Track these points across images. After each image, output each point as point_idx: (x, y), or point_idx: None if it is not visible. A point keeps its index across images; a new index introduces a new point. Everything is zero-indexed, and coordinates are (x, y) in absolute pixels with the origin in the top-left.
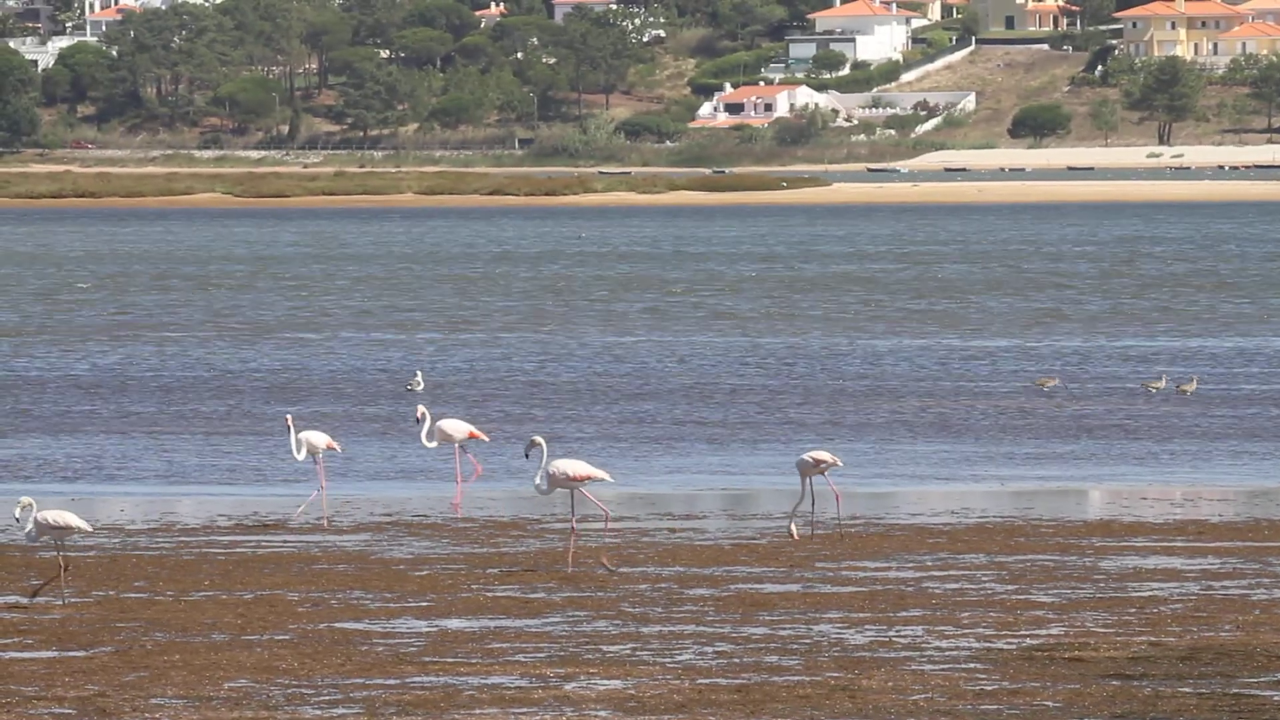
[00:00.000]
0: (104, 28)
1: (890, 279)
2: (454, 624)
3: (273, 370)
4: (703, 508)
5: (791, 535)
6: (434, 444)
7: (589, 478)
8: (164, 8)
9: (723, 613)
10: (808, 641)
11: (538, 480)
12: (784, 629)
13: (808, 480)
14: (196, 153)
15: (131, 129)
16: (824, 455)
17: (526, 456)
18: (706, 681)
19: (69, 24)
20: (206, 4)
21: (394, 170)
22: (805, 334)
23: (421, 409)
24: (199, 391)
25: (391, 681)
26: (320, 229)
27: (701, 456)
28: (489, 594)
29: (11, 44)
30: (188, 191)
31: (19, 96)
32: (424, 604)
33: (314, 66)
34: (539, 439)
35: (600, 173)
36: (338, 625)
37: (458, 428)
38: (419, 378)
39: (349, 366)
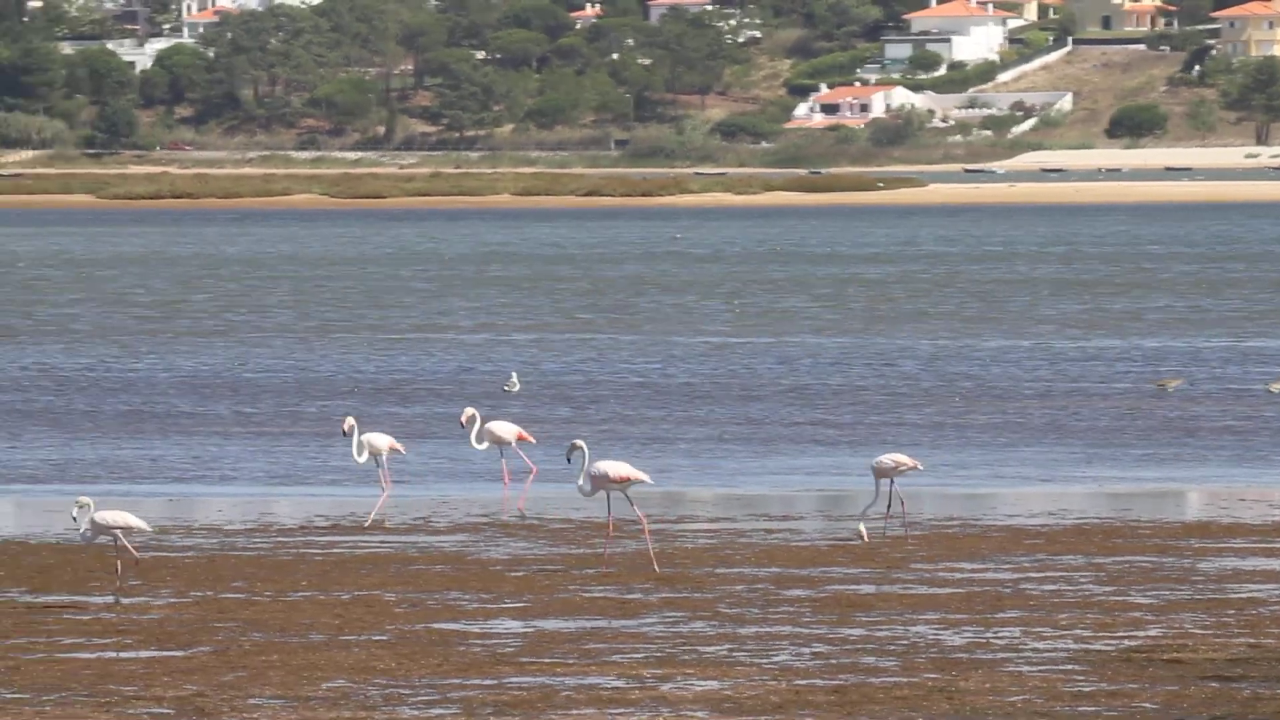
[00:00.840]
0: (201, 29)
1: (1045, 276)
2: (550, 624)
3: (383, 371)
4: (800, 509)
5: (861, 537)
6: (483, 446)
7: (629, 479)
8: (260, 10)
9: (819, 614)
10: (905, 643)
11: (580, 482)
12: (881, 630)
13: (883, 482)
14: (293, 154)
15: (229, 130)
16: (902, 458)
17: (568, 460)
18: (803, 682)
19: (166, 26)
20: (303, 5)
21: (490, 171)
22: (931, 335)
23: (470, 411)
24: (307, 392)
25: (488, 682)
26: (467, 231)
27: (806, 458)
28: (585, 595)
29: (110, 46)
30: (285, 192)
31: (117, 98)
32: (521, 604)
33: (410, 68)
34: (580, 442)
35: (696, 174)
36: (435, 626)
37: (507, 429)
38: (514, 379)
39: (453, 368)
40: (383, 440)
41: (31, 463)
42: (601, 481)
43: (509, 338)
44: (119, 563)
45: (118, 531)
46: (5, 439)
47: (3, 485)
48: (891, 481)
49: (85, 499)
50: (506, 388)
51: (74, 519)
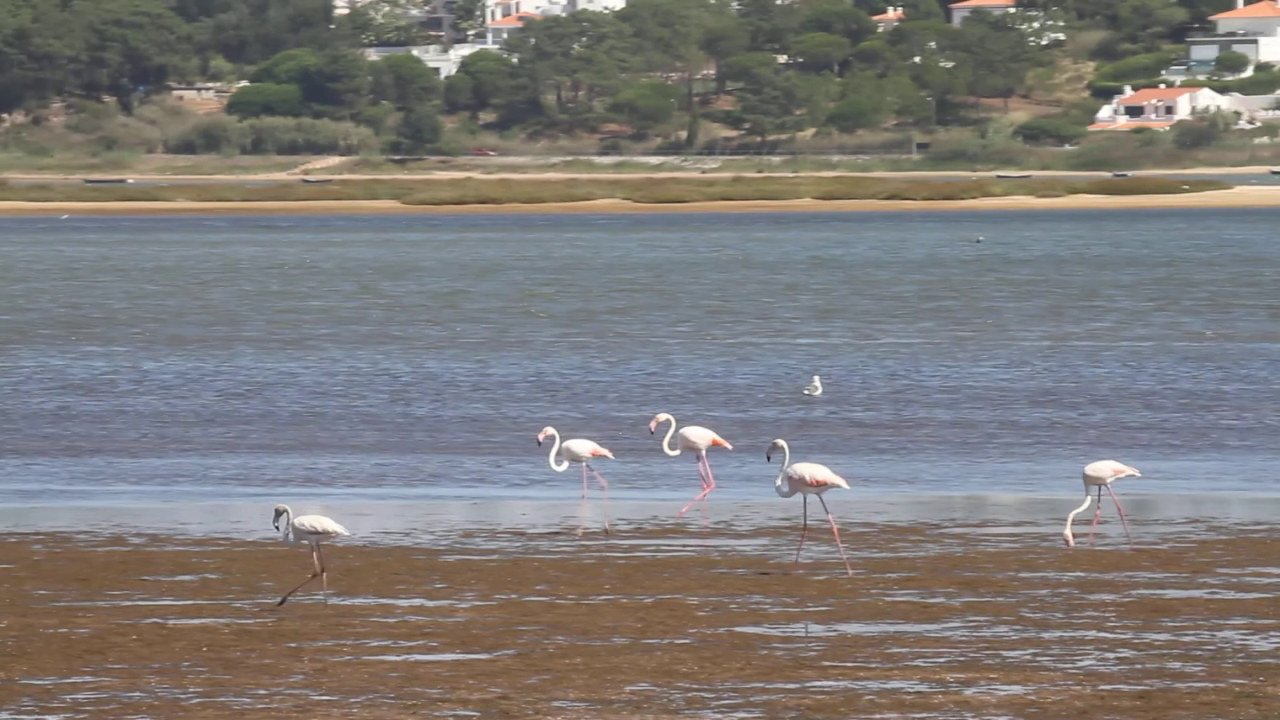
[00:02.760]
0: (505, 35)
1: None
2: (853, 629)
3: (698, 374)
4: (1105, 512)
5: (1067, 541)
6: (675, 452)
7: (827, 483)
8: (564, 15)
9: (1124, 618)
10: (1211, 648)
11: (778, 483)
12: (1187, 635)
13: (1098, 488)
14: (596, 159)
15: (532, 136)
16: (1119, 466)
17: (768, 459)
18: (1108, 688)
19: (470, 32)
20: (606, 11)
21: (791, 175)
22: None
23: (663, 416)
24: (619, 396)
25: (791, 686)
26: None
27: (1139, 462)
28: (888, 599)
29: (415, 53)
30: (587, 198)
31: (422, 105)
32: (823, 608)
33: (712, 72)
34: (781, 442)
35: (999, 176)
36: (737, 629)
37: (702, 435)
38: (816, 382)
39: (760, 370)
40: (585, 446)
41: (352, 467)
42: (799, 484)
43: (860, 342)
44: (317, 565)
45: (316, 536)
46: (337, 445)
47: (312, 489)
48: (1101, 488)
49: (282, 505)
50: (808, 391)
51: (276, 528)
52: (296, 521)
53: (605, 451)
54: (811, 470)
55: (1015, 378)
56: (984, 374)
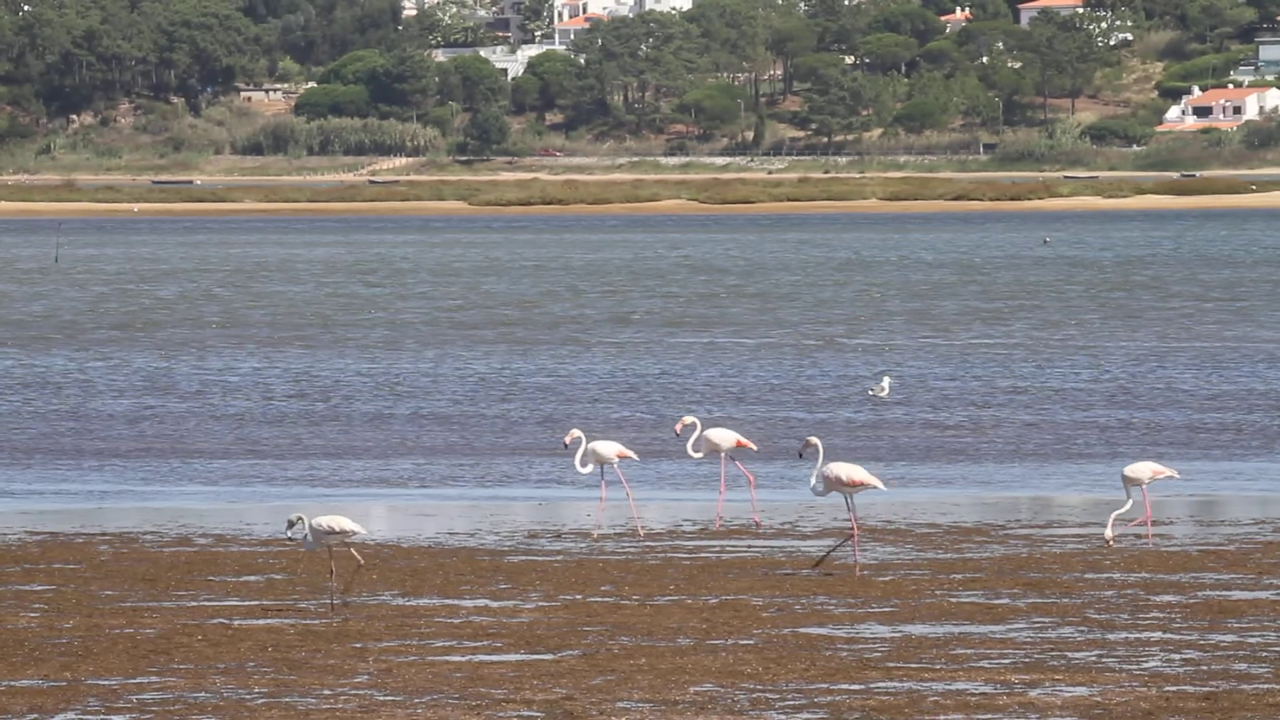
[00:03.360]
0: (572, 36)
1: None
2: (918, 629)
3: (783, 375)
4: (1170, 513)
5: (1108, 542)
6: (700, 454)
7: (863, 484)
8: (631, 16)
9: (1190, 620)
10: (1278, 649)
11: (813, 482)
12: (1253, 636)
13: (1134, 490)
14: (662, 160)
15: (598, 136)
16: (1158, 467)
17: (800, 456)
18: (1174, 689)
19: (538, 33)
20: (673, 12)
21: (858, 176)
22: None
23: (690, 419)
24: (705, 397)
25: (855, 687)
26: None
27: (1205, 463)
28: (953, 599)
29: (482, 53)
30: (653, 198)
31: (489, 105)
32: (888, 609)
33: (779, 73)
34: (814, 439)
35: (1066, 177)
36: (802, 630)
37: (725, 437)
38: (885, 383)
39: (830, 372)
40: (610, 448)
41: (403, 468)
42: (835, 484)
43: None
44: (333, 565)
45: (336, 536)
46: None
47: (377, 490)
48: (1143, 490)
49: (296, 515)
50: (873, 391)
51: (290, 537)
52: (314, 523)
53: (630, 453)
54: (849, 470)
55: (1094, 379)
56: (1065, 375)
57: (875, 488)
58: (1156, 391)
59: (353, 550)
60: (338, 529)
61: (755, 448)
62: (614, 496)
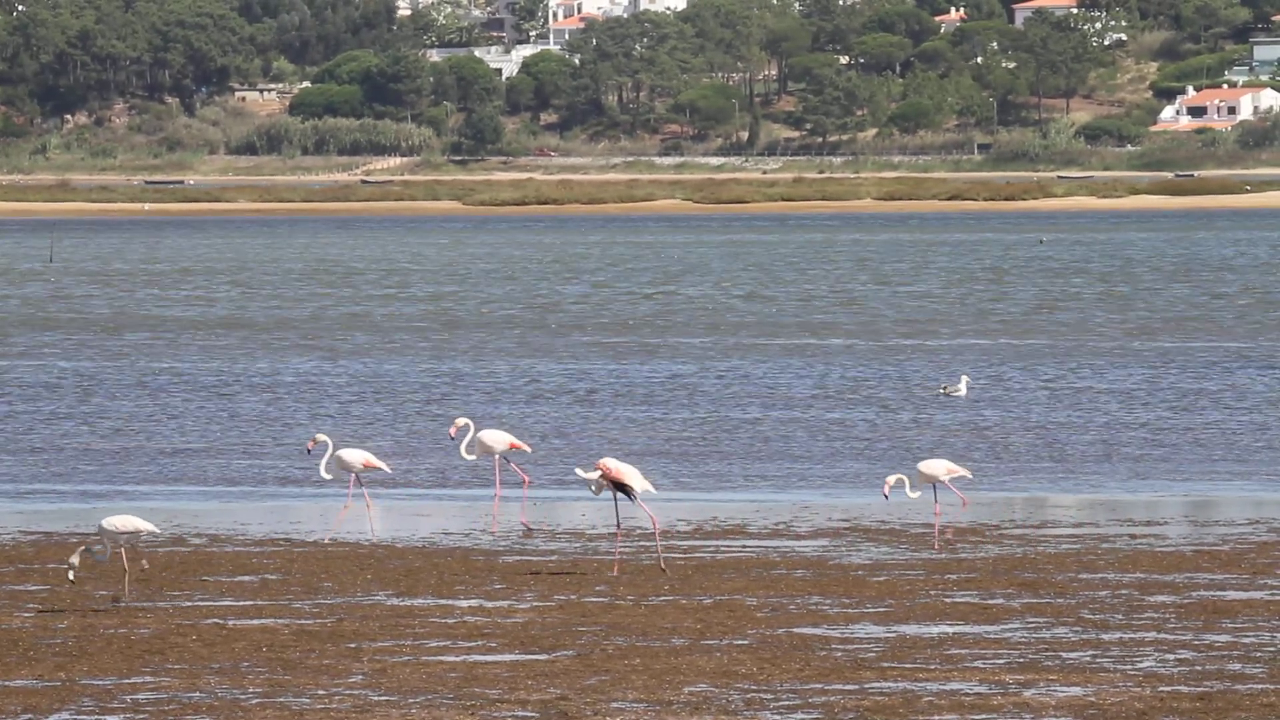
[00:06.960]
0: (566, 36)
1: None
2: (912, 630)
3: (820, 375)
4: (1164, 514)
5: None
6: (473, 456)
7: (514, 446)
8: (626, 16)
9: (1184, 620)
10: (1272, 649)
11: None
12: (1247, 636)
13: (925, 487)
14: (657, 160)
15: (593, 137)
16: (952, 465)
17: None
18: (1168, 689)
19: (532, 33)
20: (668, 12)
21: (853, 176)
22: None
23: (463, 420)
24: (734, 400)
25: (850, 687)
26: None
27: (1205, 465)
28: (947, 600)
29: (477, 54)
30: (648, 198)
31: (484, 105)
32: (882, 609)
33: (773, 73)
34: (464, 420)
35: (1060, 177)
36: (796, 630)
37: (498, 439)
38: (963, 384)
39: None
40: (500, 439)
41: (416, 471)
42: (481, 449)
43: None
44: (127, 571)
45: (128, 536)
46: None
47: (383, 490)
48: (935, 487)
49: (103, 526)
50: (946, 390)
51: (92, 550)
52: (105, 523)
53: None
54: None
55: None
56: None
57: (523, 450)
58: (1178, 397)
59: (142, 557)
60: (128, 529)
61: (529, 449)
62: (604, 498)
